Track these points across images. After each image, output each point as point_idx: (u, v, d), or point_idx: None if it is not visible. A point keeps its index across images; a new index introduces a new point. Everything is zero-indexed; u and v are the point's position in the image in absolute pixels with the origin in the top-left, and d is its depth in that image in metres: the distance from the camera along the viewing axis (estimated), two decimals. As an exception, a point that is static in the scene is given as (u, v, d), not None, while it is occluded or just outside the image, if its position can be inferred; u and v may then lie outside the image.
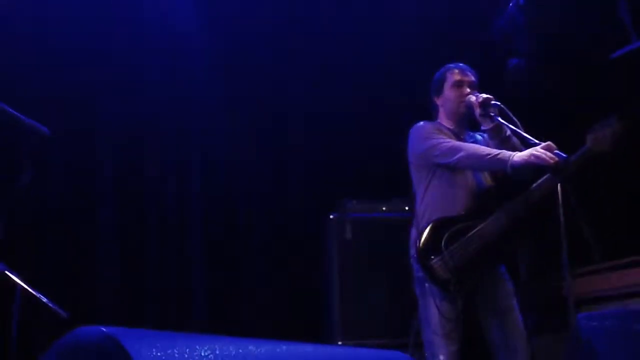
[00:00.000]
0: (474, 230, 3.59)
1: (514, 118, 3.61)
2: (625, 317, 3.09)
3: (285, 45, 5.80)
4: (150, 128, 5.43)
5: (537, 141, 3.47)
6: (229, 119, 5.64)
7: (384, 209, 5.08)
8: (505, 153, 3.49)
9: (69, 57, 5.09)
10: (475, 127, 3.90)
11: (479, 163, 3.61)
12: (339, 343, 4.83)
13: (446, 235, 3.56)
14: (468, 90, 3.79)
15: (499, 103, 3.67)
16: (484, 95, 3.71)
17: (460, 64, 3.90)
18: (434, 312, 3.55)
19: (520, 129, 3.58)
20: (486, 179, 3.78)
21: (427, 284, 3.59)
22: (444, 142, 3.68)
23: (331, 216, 5.11)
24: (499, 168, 3.55)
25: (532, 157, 3.39)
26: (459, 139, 3.81)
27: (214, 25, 5.64)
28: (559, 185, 3.36)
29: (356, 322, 4.91)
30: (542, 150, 3.39)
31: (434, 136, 3.73)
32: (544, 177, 3.60)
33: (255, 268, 5.49)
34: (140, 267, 5.19)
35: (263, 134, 5.76)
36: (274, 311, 5.39)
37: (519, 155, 3.45)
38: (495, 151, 3.54)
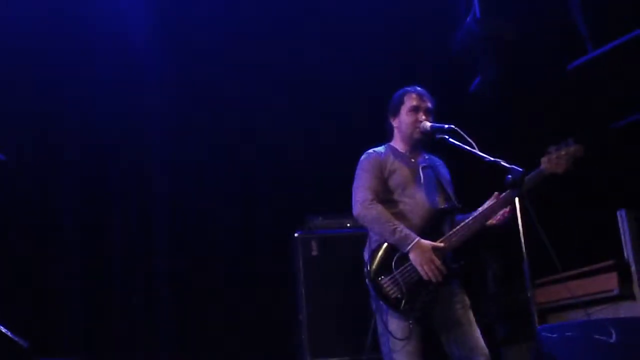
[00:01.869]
0: None
1: (468, 138, 3.66)
2: (586, 328, 3.13)
3: (250, 59, 5.81)
4: (112, 142, 5.44)
5: (492, 158, 3.52)
6: (194, 136, 5.65)
7: (349, 225, 5.08)
8: (406, 240, 3.57)
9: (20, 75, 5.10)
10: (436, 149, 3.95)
11: (379, 232, 3.68)
12: (308, 361, 4.83)
13: (397, 256, 3.60)
14: (424, 117, 3.84)
15: (452, 126, 3.72)
16: (432, 124, 3.79)
17: (419, 89, 3.94)
18: (386, 330, 3.58)
19: (475, 149, 3.62)
20: (440, 199, 3.83)
21: (379, 302, 3.62)
22: (367, 191, 3.73)
23: (296, 234, 5.12)
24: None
25: (419, 266, 3.53)
26: (411, 162, 3.87)
27: (172, 37, 5.66)
28: (517, 199, 3.41)
29: (324, 339, 4.91)
30: (432, 267, 3.51)
31: (363, 176, 3.80)
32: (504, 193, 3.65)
33: (222, 286, 5.47)
34: (105, 285, 5.18)
35: (229, 151, 5.77)
36: (243, 330, 5.39)
37: (413, 253, 3.56)
38: (398, 232, 3.59)
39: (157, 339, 5.26)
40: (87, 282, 5.17)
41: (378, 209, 3.69)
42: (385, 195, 3.78)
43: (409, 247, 3.58)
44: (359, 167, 3.87)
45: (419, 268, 3.56)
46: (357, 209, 3.74)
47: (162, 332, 5.28)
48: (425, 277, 3.55)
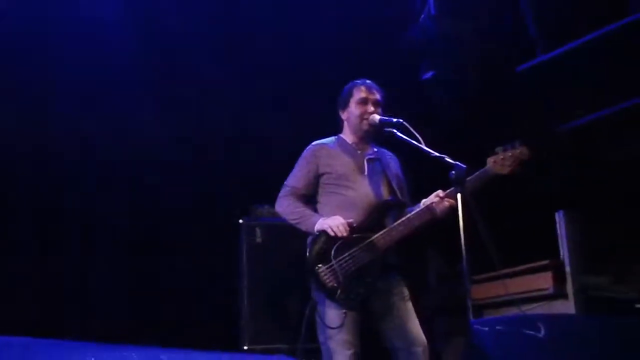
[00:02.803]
0: (365, 242, 3.68)
1: (415, 133, 3.71)
2: (516, 323, 3.22)
3: (207, 51, 5.77)
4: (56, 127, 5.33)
5: (437, 154, 3.58)
6: (141, 122, 5.58)
7: (295, 213, 5.09)
8: (308, 222, 3.75)
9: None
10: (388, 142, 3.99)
11: (291, 223, 3.85)
12: (245, 348, 4.84)
13: (336, 246, 3.65)
14: (372, 108, 3.89)
15: (401, 120, 3.76)
16: (381, 117, 3.85)
17: (368, 81, 3.98)
18: (321, 318, 3.64)
19: (421, 144, 3.67)
20: (384, 192, 3.87)
21: (316, 291, 3.67)
22: (287, 184, 3.91)
23: (241, 221, 5.12)
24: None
25: (326, 226, 3.68)
26: (357, 154, 3.92)
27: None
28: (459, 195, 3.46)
29: (263, 326, 4.93)
30: (336, 223, 3.65)
31: (293, 172, 3.94)
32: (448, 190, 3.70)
33: (165, 273, 5.43)
34: (59, 268, 5.10)
35: (179, 136, 5.71)
36: (186, 316, 5.35)
37: (319, 223, 3.71)
38: (302, 219, 3.78)
39: (100, 322, 5.19)
40: (37, 262, 5.07)
41: (287, 202, 3.86)
42: (327, 187, 3.85)
43: (317, 225, 3.69)
44: (298, 159, 3.95)
45: (325, 227, 3.65)
46: (275, 204, 3.93)
47: (103, 315, 5.22)
48: (331, 233, 3.64)
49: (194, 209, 5.54)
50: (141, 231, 5.46)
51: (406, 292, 3.80)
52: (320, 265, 3.65)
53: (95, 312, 5.16)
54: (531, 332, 3.07)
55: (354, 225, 3.69)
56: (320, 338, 3.68)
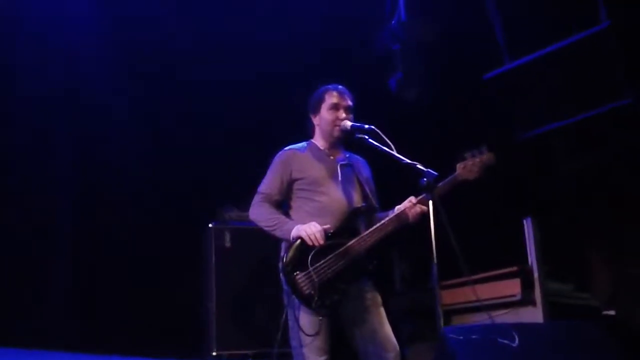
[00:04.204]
0: (341, 249, 3.68)
1: (387, 140, 3.72)
2: (491, 331, 3.24)
3: (181, 55, 5.74)
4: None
5: (409, 161, 3.59)
6: (107, 123, 5.51)
7: (264, 218, 5.07)
8: (284, 229, 3.71)
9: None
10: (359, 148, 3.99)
11: (266, 229, 3.80)
12: (213, 354, 4.81)
13: (313, 252, 3.64)
14: (344, 114, 3.88)
15: (372, 127, 3.77)
16: (352, 124, 3.83)
17: (339, 87, 3.97)
18: (297, 324, 3.62)
19: (393, 151, 3.69)
20: (357, 197, 3.88)
21: (291, 297, 3.66)
22: (260, 191, 3.86)
23: (210, 224, 5.08)
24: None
25: (302, 232, 3.64)
26: (329, 159, 3.92)
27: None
28: (430, 202, 3.48)
29: (232, 331, 4.91)
30: (313, 231, 3.62)
31: (266, 177, 3.90)
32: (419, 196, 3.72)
33: (133, 276, 5.36)
34: (17, 271, 5.00)
35: (143, 140, 5.64)
36: (153, 321, 5.29)
37: (295, 230, 3.67)
38: (278, 225, 3.73)
39: (63, 330, 5.09)
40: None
41: (262, 209, 3.82)
42: (300, 193, 3.83)
43: (293, 231, 3.66)
44: (270, 164, 3.92)
45: (302, 234, 3.62)
46: (249, 211, 3.88)
47: (67, 324, 5.12)
48: (308, 241, 3.61)
49: (162, 213, 5.49)
50: (106, 234, 5.38)
51: (379, 297, 3.81)
52: (297, 272, 3.63)
53: (54, 318, 5.07)
54: (506, 342, 3.09)
55: (330, 231, 3.68)
56: (293, 343, 3.66)
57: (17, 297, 4.99)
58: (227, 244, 5.07)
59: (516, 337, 3.10)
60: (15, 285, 4.98)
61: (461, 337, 3.10)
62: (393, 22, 5.46)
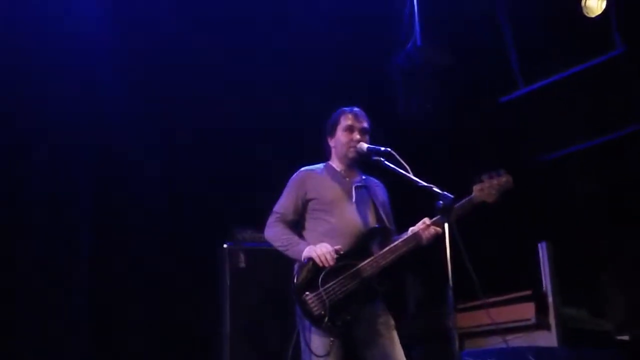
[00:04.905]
0: (352, 270, 3.68)
1: (403, 162, 3.72)
2: (507, 355, 3.22)
3: (194, 66, 5.73)
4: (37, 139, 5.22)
5: (425, 184, 3.59)
6: (124, 141, 5.53)
7: (278, 239, 5.08)
8: (296, 249, 3.73)
9: None
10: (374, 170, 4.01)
11: (280, 249, 3.83)
12: (227, 375, 4.80)
13: (323, 273, 3.64)
14: (359, 136, 3.90)
15: (389, 149, 3.78)
16: (368, 146, 3.85)
17: (355, 109, 4.00)
18: (307, 345, 3.61)
19: (409, 173, 3.69)
20: (372, 219, 3.89)
21: (302, 318, 3.66)
22: (276, 210, 3.89)
23: (225, 245, 5.09)
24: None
25: (313, 253, 3.65)
26: (345, 181, 3.93)
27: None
28: (446, 225, 3.48)
29: (246, 352, 4.89)
30: (323, 252, 3.63)
31: (282, 196, 3.92)
32: (434, 218, 3.73)
33: (147, 297, 5.35)
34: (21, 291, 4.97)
35: (158, 157, 5.65)
36: (166, 342, 5.26)
37: (307, 251, 3.68)
38: (290, 245, 3.76)
39: (75, 351, 5.08)
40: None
41: (277, 229, 3.85)
42: (314, 214, 3.85)
43: (304, 252, 3.67)
44: (286, 185, 3.95)
45: (313, 255, 3.63)
46: (264, 230, 3.92)
47: (79, 346, 5.11)
48: (318, 262, 3.62)
49: (177, 232, 5.49)
50: (120, 253, 5.38)
51: (391, 320, 3.80)
52: (307, 293, 3.63)
53: (62, 334, 5.01)
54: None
55: (342, 252, 3.69)
56: None
57: (35, 316, 4.98)
58: (242, 265, 5.07)
59: (532, 360, 3.09)
60: (33, 303, 4.98)
61: (478, 360, 3.09)
62: (409, 45, 5.50)
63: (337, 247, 3.68)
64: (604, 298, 5.37)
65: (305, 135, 5.28)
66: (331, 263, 3.63)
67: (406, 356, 3.79)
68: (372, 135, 3.97)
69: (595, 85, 5.06)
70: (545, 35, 5.34)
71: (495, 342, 4.53)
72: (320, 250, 3.65)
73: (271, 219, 3.90)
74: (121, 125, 5.51)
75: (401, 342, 3.84)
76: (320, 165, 4.00)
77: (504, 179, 3.72)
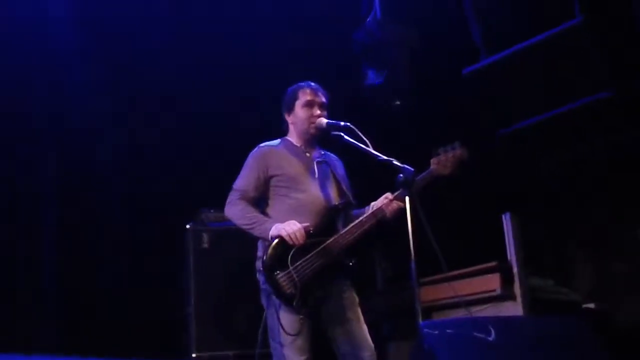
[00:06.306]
0: (320, 247, 3.66)
1: (364, 137, 3.69)
2: (467, 325, 3.22)
3: (159, 48, 5.70)
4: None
5: (385, 158, 3.56)
6: (90, 123, 5.45)
7: (242, 218, 5.04)
8: (262, 228, 3.66)
9: None
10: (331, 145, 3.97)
11: (243, 228, 3.75)
12: (193, 355, 4.77)
13: (292, 251, 3.61)
14: (318, 111, 3.86)
15: (348, 124, 3.75)
16: (328, 121, 3.82)
17: (312, 84, 3.95)
18: (278, 324, 3.58)
19: (369, 147, 3.66)
20: (335, 194, 3.86)
21: (272, 297, 3.62)
22: (236, 188, 3.81)
23: (188, 226, 5.04)
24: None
25: (282, 231, 3.59)
26: (305, 156, 3.89)
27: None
28: (407, 199, 3.46)
29: (213, 332, 4.87)
30: (293, 230, 3.58)
31: (241, 174, 3.85)
32: (396, 192, 3.71)
33: (112, 277, 5.32)
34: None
35: (123, 138, 5.60)
36: (133, 322, 5.25)
37: (274, 229, 3.62)
38: (256, 224, 3.68)
39: (41, 334, 5.03)
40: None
41: (239, 207, 3.76)
42: (277, 190, 3.80)
43: (272, 230, 3.61)
44: (245, 162, 3.88)
45: (282, 233, 3.58)
46: (225, 209, 3.82)
47: (45, 327, 5.06)
48: (288, 240, 3.57)
49: (140, 214, 5.44)
50: (84, 235, 5.34)
51: (356, 297, 3.79)
52: (278, 272, 3.59)
53: (29, 318, 5.01)
54: (482, 336, 3.07)
55: (310, 230, 3.65)
56: (274, 343, 3.63)
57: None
58: (205, 245, 5.03)
59: (492, 330, 3.08)
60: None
61: (436, 332, 3.08)
62: (368, 19, 5.44)
63: (305, 224, 3.63)
64: (570, 268, 5.41)
65: (267, 114, 5.23)
66: (301, 241, 3.60)
67: (376, 332, 3.79)
68: (332, 111, 3.93)
69: (558, 54, 5.04)
70: (505, 5, 5.31)
71: (462, 314, 4.54)
72: (290, 228, 3.60)
73: (232, 197, 3.81)
74: (85, 103, 5.48)
75: (371, 318, 3.85)
76: (278, 141, 3.95)
77: (458, 152, 3.74)
